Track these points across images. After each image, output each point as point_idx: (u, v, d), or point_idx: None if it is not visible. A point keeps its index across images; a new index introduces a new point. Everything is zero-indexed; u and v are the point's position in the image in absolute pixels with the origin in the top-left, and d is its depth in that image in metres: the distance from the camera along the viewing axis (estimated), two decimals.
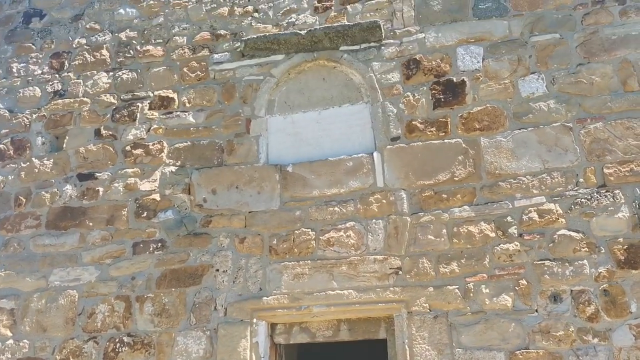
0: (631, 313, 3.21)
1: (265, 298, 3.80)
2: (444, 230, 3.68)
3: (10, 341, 4.04)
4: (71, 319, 4.03)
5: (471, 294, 3.50)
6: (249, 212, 4.05)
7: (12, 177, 4.51)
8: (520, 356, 3.30)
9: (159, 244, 4.08)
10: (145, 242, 4.11)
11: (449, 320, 3.49)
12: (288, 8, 4.58)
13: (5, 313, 4.12)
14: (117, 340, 3.91)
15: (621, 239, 3.34)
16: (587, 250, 3.38)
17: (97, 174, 4.37)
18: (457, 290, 3.53)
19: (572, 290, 3.34)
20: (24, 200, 4.41)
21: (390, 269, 3.69)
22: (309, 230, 3.91)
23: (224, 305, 3.84)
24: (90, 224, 4.24)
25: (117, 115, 4.54)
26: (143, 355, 3.85)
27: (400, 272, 3.66)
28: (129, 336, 3.91)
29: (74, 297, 4.08)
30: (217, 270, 3.94)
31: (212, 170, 4.23)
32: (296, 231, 3.93)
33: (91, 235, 4.21)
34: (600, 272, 3.32)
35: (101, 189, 4.31)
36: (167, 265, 4.02)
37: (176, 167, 4.28)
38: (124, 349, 3.88)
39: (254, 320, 3.77)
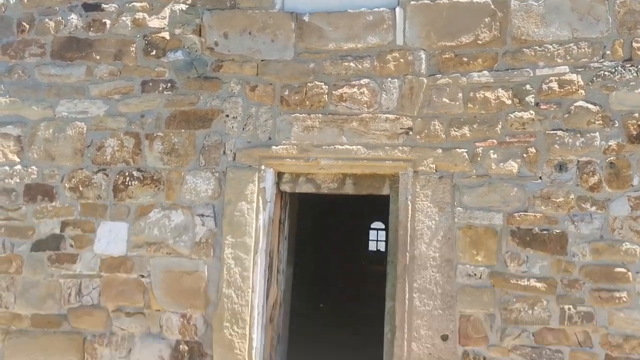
0: (632, 186, 3.31)
1: (274, 147, 3.83)
2: (460, 94, 3.64)
3: (19, 166, 4.10)
4: (80, 150, 4.07)
5: (479, 158, 3.56)
6: (262, 60, 3.94)
7: (13, 0, 4.27)
8: (518, 218, 3.46)
9: (169, 84, 4.01)
10: (155, 81, 4.03)
11: (453, 181, 3.59)
12: None
13: (12, 139, 4.13)
14: (126, 174, 3.99)
15: (637, 114, 3.34)
16: (601, 123, 3.39)
17: (104, 5, 4.14)
18: (465, 154, 3.58)
19: (578, 161, 3.41)
20: (27, 26, 4.21)
21: (401, 128, 3.70)
22: (322, 83, 3.84)
23: (232, 150, 3.88)
24: (97, 57, 4.10)
25: None
26: (152, 190, 3.95)
27: (411, 133, 3.68)
28: (139, 171, 3.98)
29: (82, 129, 4.08)
30: (227, 115, 3.92)
31: (224, 12, 4.03)
32: (309, 84, 3.86)
33: (98, 69, 4.10)
34: (610, 145, 3.37)
35: (108, 22, 4.12)
36: (176, 107, 3.98)
37: (187, 6, 4.07)
38: (133, 182, 3.98)
39: (262, 167, 3.84)
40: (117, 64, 4.08)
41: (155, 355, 3.81)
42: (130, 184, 3.98)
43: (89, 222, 4.00)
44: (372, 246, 11.38)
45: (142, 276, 3.90)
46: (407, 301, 3.55)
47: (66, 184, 4.06)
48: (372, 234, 11.25)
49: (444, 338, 3.48)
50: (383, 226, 11.04)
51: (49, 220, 4.05)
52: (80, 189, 4.04)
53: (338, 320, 8.19)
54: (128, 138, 4.03)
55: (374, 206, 9.58)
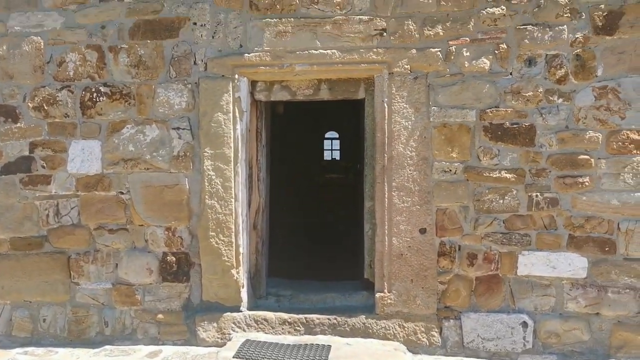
0: (596, 76, 3.47)
1: (246, 55, 3.74)
2: None
3: None
4: (39, 67, 3.85)
5: (452, 57, 3.61)
6: None
7: None
8: (490, 114, 3.59)
9: None
10: None
11: (428, 81, 3.65)
12: None
13: None
14: (93, 89, 3.84)
15: (602, 6, 3.44)
16: (569, 15, 3.47)
17: None
18: (439, 53, 3.62)
19: (547, 55, 3.52)
20: None
21: (375, 30, 3.67)
22: None
23: (203, 60, 3.77)
24: None
25: None
26: (123, 105, 3.83)
27: (385, 34, 3.66)
28: (106, 86, 3.83)
29: (40, 44, 3.84)
30: (195, 23, 3.76)
31: None
32: None
33: None
34: (577, 37, 3.48)
35: None
36: (139, 15, 3.78)
37: None
38: (101, 98, 3.83)
39: (236, 76, 3.76)
40: None
41: (143, 267, 3.87)
42: (98, 100, 3.84)
43: (59, 141, 3.87)
44: (327, 155, 11.57)
45: (122, 193, 3.87)
46: (386, 199, 3.70)
47: (29, 104, 3.87)
48: (327, 144, 11.42)
49: (422, 231, 3.69)
50: (337, 135, 11.16)
51: (15, 142, 3.90)
52: (45, 107, 3.87)
53: (299, 227, 8.45)
54: (90, 51, 3.83)
55: (327, 117, 9.68)
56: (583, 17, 3.46)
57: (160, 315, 3.87)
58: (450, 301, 3.69)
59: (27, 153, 3.90)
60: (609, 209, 3.50)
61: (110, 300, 3.92)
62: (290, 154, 9.09)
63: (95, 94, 3.83)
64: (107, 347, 3.86)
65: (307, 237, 8.13)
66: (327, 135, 11.21)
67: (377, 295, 3.73)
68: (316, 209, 9.42)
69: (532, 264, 3.60)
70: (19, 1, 3.83)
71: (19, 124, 3.89)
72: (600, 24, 3.45)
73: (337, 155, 11.41)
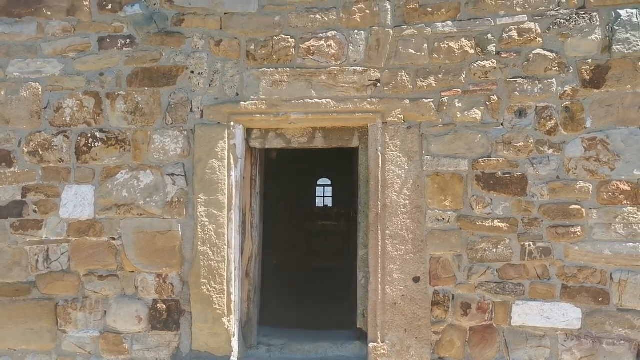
0: (585, 128, 3.55)
1: (242, 103, 3.80)
2: (425, 45, 3.72)
3: None
4: (36, 112, 3.88)
5: (444, 108, 3.68)
6: (225, 13, 3.84)
7: None
8: (482, 163, 3.64)
9: (128, 40, 3.85)
10: (113, 37, 3.85)
11: (421, 131, 3.71)
12: None
13: None
14: (89, 135, 3.86)
15: (590, 60, 3.55)
16: (558, 69, 3.58)
17: None
18: (431, 104, 3.70)
19: (537, 107, 3.61)
20: None
21: (369, 80, 3.75)
22: (289, 37, 3.81)
23: (200, 108, 3.82)
24: (48, 12, 3.87)
25: None
26: (118, 151, 3.84)
27: (379, 84, 3.74)
28: (102, 132, 3.86)
29: (38, 90, 3.88)
30: (192, 72, 3.83)
31: None
32: (275, 37, 3.81)
33: (50, 26, 3.87)
34: (566, 90, 3.57)
35: None
36: (137, 64, 3.84)
37: None
38: (97, 144, 3.85)
39: (232, 123, 3.81)
40: (71, 20, 3.87)
41: (132, 315, 3.80)
42: (93, 145, 3.85)
43: (52, 186, 3.86)
44: (319, 202, 11.59)
45: (113, 238, 3.83)
46: (380, 247, 3.70)
47: (24, 148, 3.88)
48: (319, 191, 11.48)
49: (416, 280, 3.67)
50: (329, 182, 11.23)
51: (8, 187, 3.87)
52: (40, 152, 3.87)
53: (291, 274, 8.38)
54: (88, 98, 3.87)
55: (319, 164, 9.76)
56: (571, 71, 3.57)
57: None
58: (444, 352, 3.63)
59: (19, 197, 3.87)
60: (601, 259, 3.51)
61: (97, 349, 3.82)
62: (283, 201, 9.12)
63: (90, 140, 3.85)
64: None
65: (298, 284, 8.06)
66: (319, 182, 11.28)
67: (370, 345, 3.67)
68: (308, 257, 9.39)
69: (526, 314, 3.57)
70: (19, 48, 3.89)
71: (12, 169, 3.88)
72: (587, 77, 3.55)
73: (329, 202, 11.44)
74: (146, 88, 3.83)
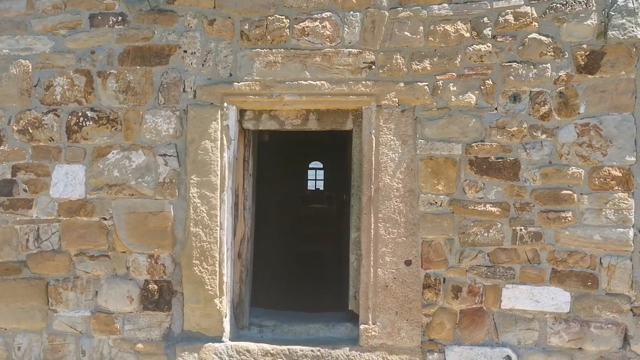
0: (579, 114, 3.56)
1: (236, 83, 3.76)
2: (421, 28, 3.69)
3: None
4: (26, 90, 3.82)
5: (439, 91, 3.67)
6: None
7: None
8: (476, 147, 3.64)
9: (120, 18, 3.79)
10: (104, 14, 3.79)
11: (415, 114, 3.70)
12: None
13: None
14: (79, 114, 3.81)
15: (585, 45, 3.55)
16: (553, 54, 3.57)
17: None
18: (426, 87, 3.68)
19: (531, 91, 3.60)
20: None
21: (364, 63, 3.73)
22: (283, 17, 3.76)
23: (193, 88, 3.78)
24: None
25: None
26: (109, 130, 3.81)
27: (374, 67, 3.72)
28: (93, 111, 3.81)
29: (28, 68, 3.82)
30: (185, 51, 3.78)
31: None
32: (269, 17, 3.77)
33: (40, 2, 3.81)
34: (560, 75, 3.57)
35: None
36: (129, 42, 3.79)
37: None
38: (88, 123, 3.81)
39: (225, 104, 3.77)
40: None
41: (124, 295, 3.80)
42: (84, 124, 3.81)
43: (42, 165, 3.82)
44: (311, 185, 11.58)
45: (104, 219, 3.81)
46: (372, 230, 3.70)
47: (14, 127, 3.83)
48: (311, 174, 11.46)
49: (408, 263, 3.69)
50: (321, 165, 11.21)
51: None
52: (30, 131, 3.83)
53: (282, 257, 8.41)
54: (78, 76, 3.81)
55: (312, 147, 9.74)
56: (566, 56, 3.56)
57: (139, 345, 3.78)
58: (434, 334, 3.67)
59: (9, 176, 3.84)
60: (591, 244, 3.54)
61: (88, 328, 3.82)
62: (275, 184, 9.11)
63: (81, 119, 3.81)
64: None
65: (289, 267, 8.08)
66: (311, 165, 11.27)
67: (362, 327, 3.70)
68: (300, 239, 9.40)
69: (516, 297, 3.61)
70: (8, 25, 3.83)
71: (2, 147, 3.84)
72: (582, 63, 3.55)
73: (321, 185, 11.44)
74: (138, 67, 3.79)
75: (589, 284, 3.55)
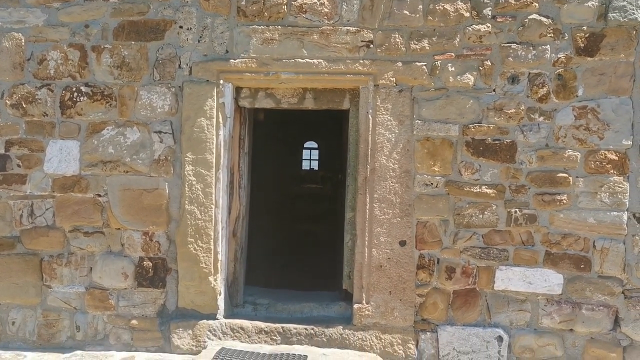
0: (577, 96, 3.54)
1: (232, 60, 3.72)
2: (420, 6, 3.64)
3: None
4: (19, 64, 3.77)
5: (437, 72, 3.64)
6: None
7: None
8: (473, 129, 3.62)
9: None
10: None
11: (412, 94, 3.67)
12: None
13: None
14: (73, 89, 3.77)
15: (585, 27, 3.52)
16: (552, 36, 3.54)
17: None
18: (424, 67, 3.65)
19: (530, 73, 3.58)
20: None
21: (362, 41, 3.68)
22: None
23: (188, 64, 3.73)
24: None
25: None
26: (104, 106, 3.77)
27: (372, 46, 3.68)
28: (87, 86, 3.77)
29: (20, 41, 3.76)
30: (181, 27, 3.73)
31: None
32: None
33: None
34: (559, 57, 3.54)
35: None
36: (124, 16, 3.73)
37: None
38: (82, 98, 3.76)
39: (221, 81, 3.74)
40: None
41: (118, 272, 3.80)
42: (78, 99, 3.77)
43: (36, 140, 3.79)
44: (305, 165, 11.54)
45: (99, 195, 3.79)
46: (367, 211, 3.70)
47: (7, 101, 3.79)
48: (305, 154, 11.41)
49: (402, 243, 3.70)
50: (316, 145, 11.15)
51: None
52: (24, 105, 3.78)
53: (276, 235, 8.42)
54: (72, 50, 3.76)
55: (307, 127, 9.67)
56: (566, 38, 3.53)
57: (134, 321, 3.79)
58: (427, 314, 3.69)
59: (2, 151, 3.80)
60: (585, 227, 3.56)
61: (82, 304, 3.83)
62: (268, 163, 9.07)
63: (75, 94, 3.76)
64: (78, 352, 3.77)
65: (283, 247, 8.10)
66: (305, 145, 11.20)
67: (355, 306, 3.72)
68: (294, 218, 9.40)
69: (509, 279, 3.63)
70: None
71: None
72: (582, 45, 3.52)
73: (315, 165, 11.38)
74: (133, 42, 3.73)
75: (582, 266, 3.57)
